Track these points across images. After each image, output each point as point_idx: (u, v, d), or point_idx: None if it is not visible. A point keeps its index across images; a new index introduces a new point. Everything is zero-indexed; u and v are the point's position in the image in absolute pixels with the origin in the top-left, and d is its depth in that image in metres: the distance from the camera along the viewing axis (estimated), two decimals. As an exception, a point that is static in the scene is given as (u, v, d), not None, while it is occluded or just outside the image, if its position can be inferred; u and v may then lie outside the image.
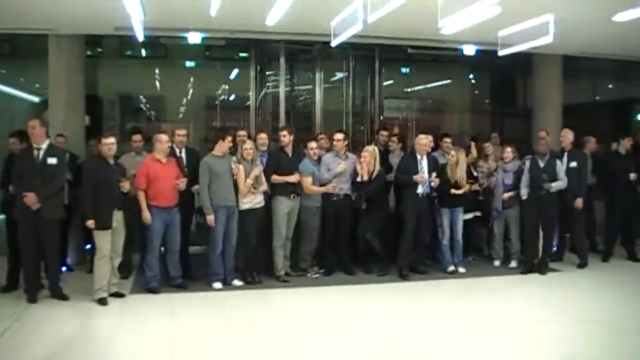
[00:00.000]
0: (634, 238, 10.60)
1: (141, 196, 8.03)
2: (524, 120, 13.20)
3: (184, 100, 13.33)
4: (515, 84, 14.46)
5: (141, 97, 13.39)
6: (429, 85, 14.10)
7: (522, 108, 14.17)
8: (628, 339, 6.64)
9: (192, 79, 13.26)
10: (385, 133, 10.13)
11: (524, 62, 12.30)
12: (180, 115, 13.22)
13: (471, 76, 14.58)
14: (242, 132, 9.15)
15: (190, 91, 13.30)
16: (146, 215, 8.03)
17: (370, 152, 9.09)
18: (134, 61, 12.72)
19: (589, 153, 10.53)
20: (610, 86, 15.49)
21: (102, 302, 7.62)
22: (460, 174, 9.29)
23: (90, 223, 7.55)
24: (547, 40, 8.19)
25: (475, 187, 9.59)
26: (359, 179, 8.98)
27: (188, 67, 13.19)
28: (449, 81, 14.45)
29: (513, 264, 9.83)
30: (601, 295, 8.45)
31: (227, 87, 13.10)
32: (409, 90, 13.79)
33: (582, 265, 9.89)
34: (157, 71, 12.99)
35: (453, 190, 9.22)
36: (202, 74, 13.26)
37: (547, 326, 7.04)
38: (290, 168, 8.88)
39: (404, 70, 13.58)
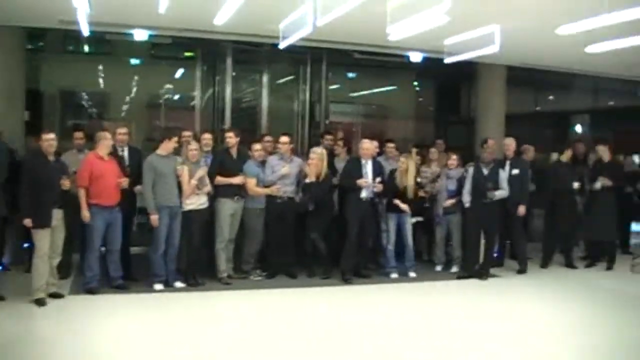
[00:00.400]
0: (572, 246, 10.85)
1: (82, 194, 7.85)
2: (467, 128, 13.39)
3: (128, 99, 13.11)
4: (460, 92, 14.68)
5: (83, 93, 13.11)
6: (374, 91, 14.16)
7: (465, 116, 14.40)
8: (563, 343, 6.79)
9: (136, 77, 13.05)
10: (329, 137, 10.15)
11: (469, 70, 12.46)
12: (123, 114, 12.97)
13: (416, 83, 14.70)
14: (187, 133, 9.09)
15: (134, 89, 13.09)
16: (85, 213, 7.86)
17: (319, 154, 9.11)
18: (77, 57, 12.47)
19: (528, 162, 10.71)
20: (550, 97, 15.80)
21: (40, 302, 7.41)
22: (410, 181, 9.35)
23: (28, 222, 7.36)
24: (493, 49, 8.33)
25: (421, 193, 9.65)
26: (307, 180, 8.96)
27: (133, 65, 12.93)
28: (394, 87, 14.55)
29: (454, 269, 9.94)
30: (539, 300, 8.65)
31: (172, 86, 12.94)
32: (354, 95, 13.81)
33: (521, 271, 10.06)
34: (100, 68, 12.74)
35: (397, 202, 9.27)
36: (147, 72, 13.04)
37: (484, 330, 7.16)
38: (235, 170, 8.83)
39: (350, 75, 13.61)
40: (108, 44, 12.10)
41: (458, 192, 9.66)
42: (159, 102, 13.07)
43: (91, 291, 7.96)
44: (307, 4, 6.98)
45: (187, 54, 12.18)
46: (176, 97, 13.07)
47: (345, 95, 13.83)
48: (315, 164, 9.00)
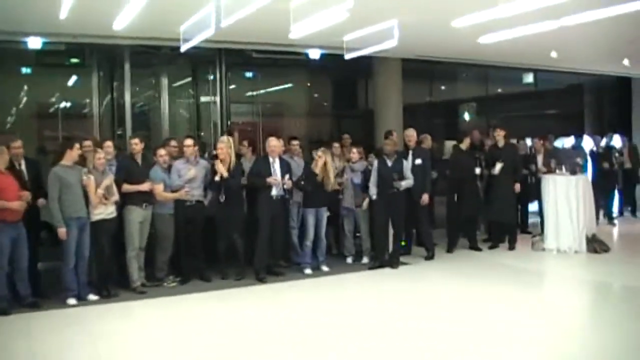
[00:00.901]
0: (475, 229, 11.25)
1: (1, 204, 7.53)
2: (365, 121, 13.61)
3: (16, 109, 12.57)
4: (356, 87, 14.90)
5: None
6: (272, 90, 14.17)
7: (363, 110, 14.61)
8: (477, 319, 7.19)
9: (25, 86, 12.50)
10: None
11: (365, 65, 12.64)
12: (10, 125, 12.38)
13: (314, 80, 14.76)
14: (88, 142, 8.80)
15: (24, 99, 12.58)
16: None
17: (225, 142, 9.11)
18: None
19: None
20: (442, 87, 16.27)
21: (-53, 327, 7.10)
22: (330, 175, 9.51)
23: None
24: (392, 44, 8.54)
25: (336, 185, 9.82)
26: (217, 178, 8.91)
27: (21, 74, 12.35)
28: (292, 85, 14.63)
29: (365, 259, 10.15)
30: (450, 283, 9.02)
31: (66, 94, 12.46)
32: (253, 94, 13.79)
33: (429, 257, 10.40)
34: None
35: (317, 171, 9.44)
36: (37, 81, 12.50)
37: (403, 315, 7.43)
38: (141, 176, 8.67)
39: (248, 74, 13.57)
40: None
41: (364, 185, 9.81)
42: (51, 112, 12.57)
43: (1, 312, 7.62)
44: (209, 6, 6.96)
45: (74, 60, 11.80)
46: (72, 105, 12.59)
47: (245, 95, 13.76)
48: (226, 153, 9.01)
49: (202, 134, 11.94)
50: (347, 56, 9.70)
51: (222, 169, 8.91)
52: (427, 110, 15.34)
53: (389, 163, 9.68)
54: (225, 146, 9.06)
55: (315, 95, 15.24)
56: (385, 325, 7.08)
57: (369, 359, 6.10)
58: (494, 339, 6.51)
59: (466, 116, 16.81)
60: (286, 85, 14.53)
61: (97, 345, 6.60)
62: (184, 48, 8.36)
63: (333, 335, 6.76)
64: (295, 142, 10.18)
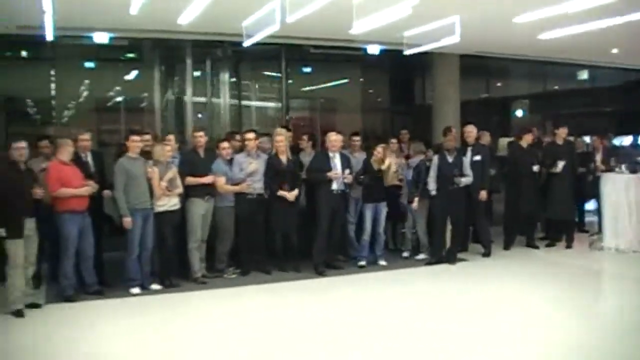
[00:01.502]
0: (533, 227, 11.15)
1: (64, 192, 7.71)
2: (422, 117, 13.58)
3: (78, 103, 12.83)
4: (413, 82, 14.87)
5: (28, 100, 12.78)
6: (329, 85, 14.21)
7: (419, 106, 14.62)
8: (536, 318, 7.06)
9: (87, 81, 12.76)
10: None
11: (422, 61, 12.62)
12: (73, 119, 12.64)
13: (370, 75, 14.76)
14: (147, 137, 8.93)
15: (85, 94, 12.84)
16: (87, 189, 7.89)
17: (284, 134, 9.28)
18: (20, 61, 12.14)
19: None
20: (498, 84, 16.14)
21: (18, 314, 7.29)
22: (392, 169, 9.54)
23: (1, 231, 7.20)
24: (453, 40, 8.51)
25: (396, 181, 9.83)
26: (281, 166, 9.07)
27: (83, 68, 12.60)
28: (348, 80, 14.61)
29: (421, 255, 10.11)
30: (508, 281, 8.99)
31: (127, 88, 12.70)
32: (310, 89, 13.85)
33: (486, 254, 10.32)
34: (47, 72, 12.37)
35: (384, 166, 9.46)
36: (99, 76, 12.74)
37: (460, 312, 7.39)
38: (204, 169, 8.82)
39: (306, 70, 13.64)
40: (52, 48, 11.65)
41: (415, 181, 9.82)
42: (114, 105, 12.83)
43: (69, 299, 7.87)
44: (275, 2, 7.03)
45: (136, 55, 12.01)
46: (133, 99, 12.82)
47: (302, 90, 13.86)
48: (284, 145, 9.17)
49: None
50: (407, 52, 9.69)
51: (282, 156, 9.08)
52: (481, 106, 15.23)
53: (450, 159, 9.66)
54: (284, 139, 9.16)
55: (371, 90, 15.24)
56: (441, 320, 7.09)
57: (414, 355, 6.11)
58: (549, 342, 6.37)
59: (520, 113, 16.66)
60: (342, 81, 14.52)
61: (159, 334, 6.79)
62: (247, 43, 8.46)
63: (385, 331, 6.79)
64: (356, 138, 10.17)
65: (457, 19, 8.29)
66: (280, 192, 8.99)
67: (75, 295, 7.95)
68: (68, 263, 7.90)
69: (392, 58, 12.00)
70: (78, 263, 8.09)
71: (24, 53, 11.97)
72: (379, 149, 9.55)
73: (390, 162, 9.52)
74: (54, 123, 12.21)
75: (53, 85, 12.02)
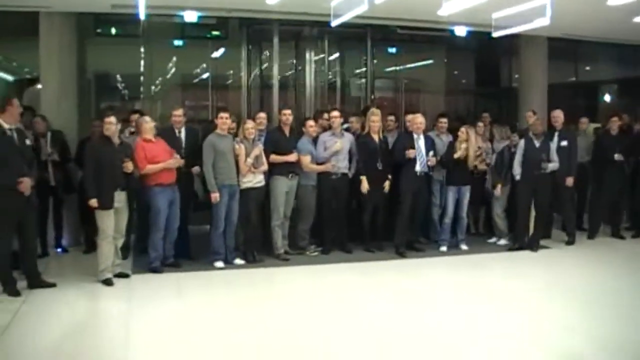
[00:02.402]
0: (620, 216, 10.85)
1: (152, 167, 7.97)
2: (507, 100, 13.38)
3: (165, 80, 13.14)
4: (498, 65, 14.65)
5: (118, 76, 13.15)
6: (413, 65, 14.11)
7: (504, 88, 14.40)
8: (623, 311, 6.85)
9: (175, 58, 13.04)
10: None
11: (507, 43, 12.38)
12: (162, 95, 12.95)
13: (454, 56, 14.61)
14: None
15: (173, 71, 13.12)
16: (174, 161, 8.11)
17: (379, 114, 9.30)
18: (111, 39, 12.03)
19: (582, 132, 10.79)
20: (587, 68, 15.72)
21: (108, 282, 7.58)
22: (470, 152, 9.42)
23: (94, 202, 7.47)
24: (543, 22, 8.31)
25: (482, 165, 9.72)
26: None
27: (171, 46, 12.78)
28: (433, 61, 14.51)
29: (502, 241, 9.99)
30: (592, 270, 8.80)
31: (215, 66, 12.88)
32: (396, 69, 13.79)
33: (570, 242, 10.12)
34: (135, 49, 12.62)
35: (457, 154, 9.34)
36: (187, 53, 12.96)
37: (547, 300, 7.27)
38: (289, 147, 8.91)
39: (391, 50, 13.56)
40: (139, 26, 11.70)
41: (500, 167, 9.71)
42: (198, 83, 13.05)
43: (155, 270, 8.11)
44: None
45: (223, 33, 12.12)
46: (221, 76, 13.02)
47: (387, 70, 13.82)
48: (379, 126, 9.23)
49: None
50: (495, 34, 9.52)
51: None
52: (567, 90, 14.83)
53: (537, 144, 9.50)
54: (379, 119, 9.21)
55: (456, 72, 15.09)
56: (523, 306, 7.03)
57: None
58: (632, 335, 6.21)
59: (607, 98, 16.19)
60: (427, 62, 14.42)
61: (240, 308, 6.92)
62: (334, 23, 8.46)
63: (471, 312, 6.79)
64: (443, 120, 10.03)
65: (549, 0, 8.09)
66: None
67: (161, 268, 8.19)
68: (157, 235, 8.14)
69: (478, 40, 11.78)
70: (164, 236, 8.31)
71: (114, 31, 12.16)
72: (463, 129, 9.46)
73: (467, 146, 9.40)
74: (142, 99, 12.53)
75: (142, 63, 12.26)
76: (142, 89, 12.48)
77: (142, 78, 12.39)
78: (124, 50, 12.44)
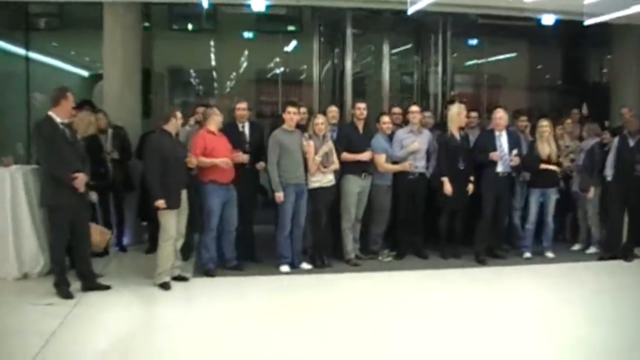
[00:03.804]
0: None
1: (204, 159, 7.47)
2: (597, 96, 12.52)
3: (237, 75, 12.83)
4: (588, 58, 13.76)
5: (191, 71, 12.87)
6: (495, 59, 13.34)
7: (595, 83, 13.55)
8: None
9: (246, 52, 12.70)
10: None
11: (600, 34, 11.54)
12: (233, 90, 12.66)
13: (539, 49, 13.70)
14: (304, 109, 8.52)
15: (244, 65, 12.79)
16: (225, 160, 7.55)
17: (462, 109, 8.72)
18: (183, 34, 12.11)
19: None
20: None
21: (165, 286, 7.15)
22: (551, 148, 8.67)
23: (161, 203, 7.04)
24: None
25: (566, 162, 9.03)
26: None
27: (242, 40, 12.57)
28: (517, 54, 13.73)
29: (592, 249, 9.20)
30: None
31: (286, 60, 12.49)
32: (476, 63, 13.05)
33: (666, 251, 9.26)
34: (208, 44, 12.44)
35: (544, 165, 8.59)
36: (258, 47, 12.64)
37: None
38: (362, 144, 8.33)
39: (471, 42, 12.85)
40: (213, 20, 11.84)
41: (589, 168, 8.93)
42: (271, 77, 12.66)
43: (208, 273, 7.70)
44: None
45: (295, 26, 11.79)
46: (291, 71, 12.61)
47: (467, 64, 13.14)
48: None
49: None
50: (587, 22, 8.74)
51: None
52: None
53: (631, 143, 8.68)
54: (463, 115, 8.67)
55: (540, 66, 14.23)
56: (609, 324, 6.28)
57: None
58: None
59: None
60: (509, 55, 13.63)
61: (305, 316, 6.43)
62: (411, 11, 7.87)
63: (552, 328, 6.11)
64: (523, 118, 9.35)
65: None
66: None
67: (215, 270, 7.76)
68: (209, 235, 7.72)
69: (564, 31, 10.99)
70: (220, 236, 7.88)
71: (186, 25, 11.97)
72: (544, 123, 8.69)
73: (553, 147, 8.66)
74: (215, 94, 12.42)
75: (214, 57, 12.22)
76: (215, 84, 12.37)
77: (214, 73, 12.37)
78: (197, 45, 12.37)
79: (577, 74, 13.87)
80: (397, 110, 9.06)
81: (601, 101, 11.97)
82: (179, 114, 7.36)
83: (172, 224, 7.17)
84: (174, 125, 7.30)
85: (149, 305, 6.81)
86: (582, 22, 8.91)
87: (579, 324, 6.26)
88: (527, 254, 8.83)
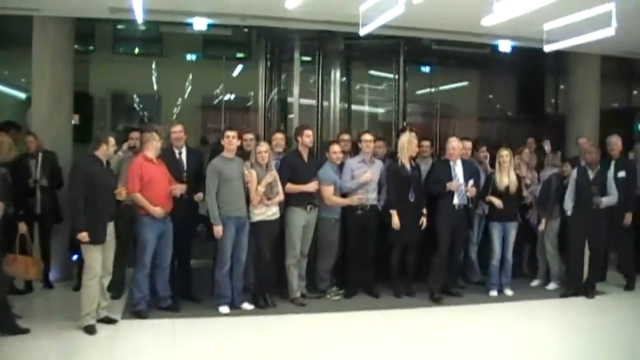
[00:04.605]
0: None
1: (139, 198, 6.85)
2: (552, 125, 12.25)
3: (181, 100, 12.24)
4: (543, 87, 13.48)
5: (134, 95, 12.25)
6: (447, 88, 12.98)
7: (550, 113, 13.29)
8: None
9: (190, 77, 12.12)
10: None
11: (555, 62, 11.24)
12: (176, 116, 12.03)
13: (491, 77, 13.50)
14: (250, 136, 8.01)
15: (188, 90, 12.21)
16: (157, 211, 6.91)
17: (413, 137, 8.17)
18: (127, 57, 11.69)
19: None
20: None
21: (90, 330, 6.43)
22: (511, 177, 8.24)
23: (84, 236, 6.35)
24: (608, 33, 7.15)
25: (525, 193, 8.59)
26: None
27: (186, 65, 12.09)
28: (471, 82, 13.45)
29: (552, 285, 8.77)
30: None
31: (230, 85, 11.94)
32: (429, 92, 12.64)
33: (629, 287, 8.87)
34: (152, 68, 11.85)
35: (491, 198, 8.17)
36: (202, 72, 12.09)
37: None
38: (308, 174, 7.76)
39: (423, 69, 12.46)
40: (159, 43, 11.49)
41: (544, 200, 8.58)
42: (215, 103, 12.12)
43: (139, 315, 6.99)
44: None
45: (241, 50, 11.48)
46: (235, 97, 12.08)
47: (419, 92, 12.71)
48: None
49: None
50: (547, 48, 8.33)
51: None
52: (620, 116, 13.57)
53: (591, 175, 8.29)
54: (414, 144, 8.12)
55: (491, 95, 13.97)
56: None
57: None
58: None
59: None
60: (463, 83, 13.31)
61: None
62: (363, 32, 7.36)
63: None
64: (482, 149, 8.97)
65: (613, 7, 6.90)
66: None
67: (147, 311, 7.06)
68: (142, 272, 7.04)
69: (519, 59, 10.65)
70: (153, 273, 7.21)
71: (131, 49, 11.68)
72: (504, 153, 8.27)
73: (512, 178, 8.24)
74: (160, 120, 11.78)
75: (158, 81, 11.72)
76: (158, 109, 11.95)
77: (159, 98, 11.94)
78: (140, 69, 11.89)
79: (532, 104, 13.58)
80: (345, 137, 8.48)
81: (556, 131, 11.67)
82: (111, 140, 6.70)
83: (97, 260, 6.48)
84: (104, 151, 6.63)
85: (68, 353, 6.08)
86: (538, 50, 8.50)
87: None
88: (493, 292, 8.37)
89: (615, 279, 9.11)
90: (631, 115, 13.77)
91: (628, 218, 8.76)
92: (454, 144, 8.14)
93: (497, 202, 8.10)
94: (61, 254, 8.40)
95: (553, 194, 8.53)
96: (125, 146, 7.83)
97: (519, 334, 6.94)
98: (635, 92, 14.30)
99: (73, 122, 9.17)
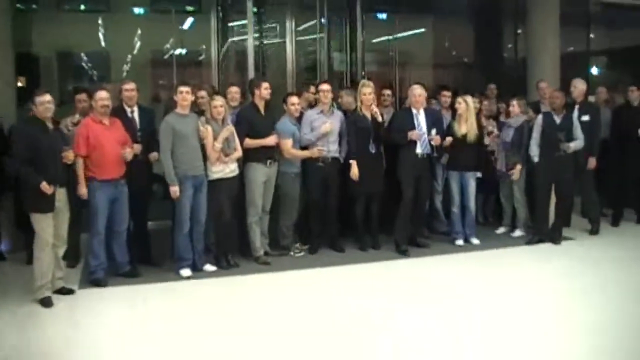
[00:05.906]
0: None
1: (79, 165, 6.50)
2: (514, 71, 12.19)
3: (130, 57, 11.78)
4: (503, 33, 13.28)
5: (82, 54, 11.76)
6: (403, 35, 12.66)
7: (510, 59, 13.12)
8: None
9: (139, 33, 11.66)
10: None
11: (514, 6, 11.03)
12: (127, 74, 11.58)
13: (451, 23, 13.19)
14: (203, 93, 7.69)
15: (137, 47, 11.76)
16: (82, 189, 6.53)
17: (371, 86, 7.90)
18: (73, 14, 11.17)
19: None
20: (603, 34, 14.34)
21: (46, 302, 6.11)
22: (470, 124, 8.05)
23: (45, 185, 5.94)
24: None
25: (487, 141, 8.45)
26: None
27: (134, 20, 11.56)
28: (426, 29, 13.21)
29: (518, 232, 8.70)
30: (619, 267, 7.41)
31: (181, 39, 11.52)
32: (386, 40, 12.36)
33: (594, 231, 8.86)
34: (99, 25, 11.36)
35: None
36: (152, 27, 11.63)
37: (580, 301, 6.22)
38: (266, 128, 7.49)
39: (380, 16, 12.16)
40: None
41: (518, 145, 8.39)
42: (167, 59, 11.68)
43: (97, 283, 6.69)
44: None
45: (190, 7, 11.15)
46: (188, 51, 11.67)
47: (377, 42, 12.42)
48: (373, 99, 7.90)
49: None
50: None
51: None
52: (584, 59, 13.49)
53: (557, 120, 8.13)
54: (371, 91, 7.83)
55: (448, 43, 13.75)
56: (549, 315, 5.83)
57: None
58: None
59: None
60: (420, 30, 13.08)
61: (210, 328, 5.58)
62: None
63: (484, 323, 5.54)
64: (446, 93, 8.77)
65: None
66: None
67: (105, 279, 6.76)
68: (96, 239, 6.72)
69: (477, 4, 10.45)
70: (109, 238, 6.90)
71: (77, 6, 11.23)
72: (460, 99, 8.10)
73: (473, 125, 8.05)
74: (107, 79, 11.33)
75: (106, 39, 11.29)
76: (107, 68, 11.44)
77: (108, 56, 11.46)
78: (89, 26, 11.35)
79: (491, 49, 13.39)
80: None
81: (517, 76, 11.52)
82: (43, 98, 6.07)
83: (48, 230, 6.10)
84: (39, 112, 6.08)
85: (24, 326, 5.71)
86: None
87: (509, 315, 5.70)
88: (459, 241, 8.26)
89: (580, 224, 9.09)
90: (589, 59, 13.70)
91: (592, 162, 8.71)
92: (417, 91, 7.91)
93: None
94: (10, 224, 8.02)
95: (526, 139, 8.36)
96: (69, 122, 7.21)
97: (488, 283, 6.83)
98: (592, 35, 14.21)
99: (19, 84, 8.69)
